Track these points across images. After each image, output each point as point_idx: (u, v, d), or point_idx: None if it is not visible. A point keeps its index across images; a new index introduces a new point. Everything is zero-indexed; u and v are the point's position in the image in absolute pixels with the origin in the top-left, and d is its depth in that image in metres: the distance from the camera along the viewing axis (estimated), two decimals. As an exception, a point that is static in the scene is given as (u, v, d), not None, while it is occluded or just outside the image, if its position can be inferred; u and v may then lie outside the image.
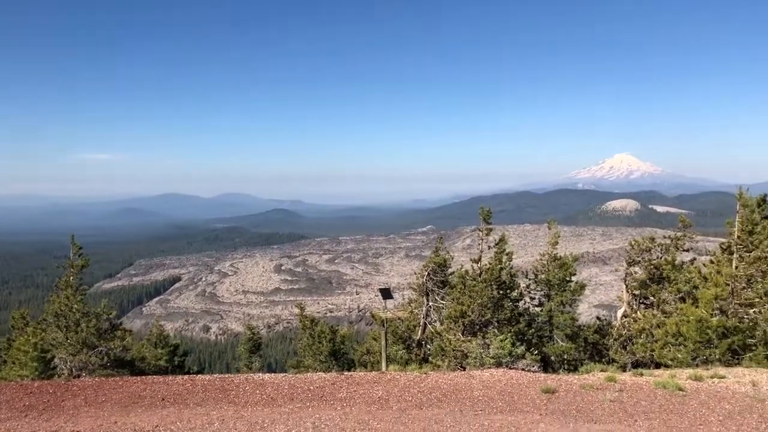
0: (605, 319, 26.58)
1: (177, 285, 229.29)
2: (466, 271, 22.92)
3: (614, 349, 23.46)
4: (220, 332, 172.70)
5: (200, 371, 32.16)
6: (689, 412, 9.38)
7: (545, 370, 18.20)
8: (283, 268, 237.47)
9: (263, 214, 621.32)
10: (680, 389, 10.60)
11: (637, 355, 21.65)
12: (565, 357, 23.02)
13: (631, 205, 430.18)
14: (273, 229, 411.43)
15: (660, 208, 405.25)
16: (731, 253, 20.18)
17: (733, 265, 19.48)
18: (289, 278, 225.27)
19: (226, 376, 12.56)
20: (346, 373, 12.45)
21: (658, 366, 18.58)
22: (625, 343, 23.60)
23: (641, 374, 12.67)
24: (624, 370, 15.78)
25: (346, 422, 8.87)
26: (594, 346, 23.99)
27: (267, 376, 12.39)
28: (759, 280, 19.32)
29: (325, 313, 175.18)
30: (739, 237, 19.87)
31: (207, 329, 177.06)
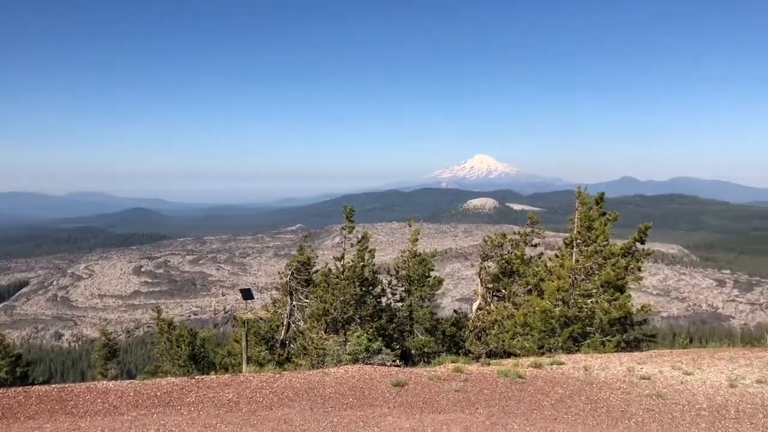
0: (462, 312, 27.72)
1: (24, 290, 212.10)
2: (330, 270, 23.04)
3: (470, 341, 24.57)
4: (74, 339, 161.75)
5: (47, 381, 29.97)
6: (526, 398, 9.98)
7: (406, 364, 18.63)
8: (143, 269, 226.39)
9: (120, 213, 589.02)
10: (520, 377, 11.27)
11: (491, 346, 22.79)
12: (425, 350, 23.65)
13: (489, 203, 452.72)
14: (131, 229, 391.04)
15: (516, 206, 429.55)
16: (573, 248, 21.71)
17: (573, 258, 20.98)
18: (150, 280, 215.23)
19: (67, 385, 11.75)
20: (197, 376, 12.06)
21: (509, 355, 19.57)
22: (480, 335, 24.77)
23: (488, 364, 13.33)
24: (478, 361, 16.48)
25: (192, 427, 8.60)
26: (451, 339, 24.88)
27: (112, 383, 11.75)
28: (596, 272, 20.94)
29: (189, 316, 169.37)
30: (578, 232, 21.42)
31: (59, 336, 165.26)
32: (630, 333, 22.36)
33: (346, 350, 13.59)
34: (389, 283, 24.97)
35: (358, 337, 14.26)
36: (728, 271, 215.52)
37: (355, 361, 13.28)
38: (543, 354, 17.69)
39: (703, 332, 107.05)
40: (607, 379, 11.72)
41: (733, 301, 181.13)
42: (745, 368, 13.31)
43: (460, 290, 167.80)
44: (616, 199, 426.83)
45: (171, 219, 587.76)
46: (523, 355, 17.71)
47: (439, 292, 25.67)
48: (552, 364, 13.29)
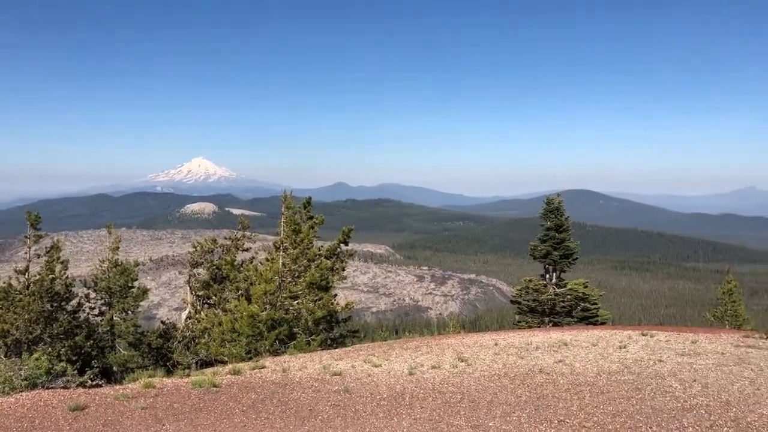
0: (171, 323, 26.58)
1: None
2: (10, 285, 20.38)
3: (178, 351, 23.64)
4: None
5: None
6: (218, 408, 9.81)
7: (108, 382, 17.19)
8: None
9: None
10: (215, 386, 11.06)
11: (200, 355, 22.18)
12: (129, 365, 22.12)
13: (209, 207, 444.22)
14: None
15: (236, 211, 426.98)
16: (281, 251, 22.12)
17: (280, 261, 21.40)
18: None
19: None
20: None
21: (219, 363, 19.17)
22: (189, 344, 23.99)
23: (188, 375, 12.87)
24: (188, 372, 15.80)
25: None
26: (158, 351, 23.67)
27: None
28: (303, 273, 21.62)
29: None
30: (286, 236, 21.93)
31: None
32: (336, 330, 23.52)
33: (21, 375, 11.98)
34: (87, 296, 22.92)
35: (36, 359, 12.70)
36: (426, 268, 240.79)
37: (33, 386, 11.78)
38: (251, 359, 17.67)
39: (406, 324, 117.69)
40: (302, 379, 12.08)
41: (431, 294, 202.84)
42: (426, 356, 14.81)
43: (177, 299, 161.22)
44: (331, 204, 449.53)
45: None
46: (232, 362, 17.48)
47: (148, 302, 24.23)
48: (253, 368, 13.30)
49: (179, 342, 24.09)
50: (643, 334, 17.50)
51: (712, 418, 9.49)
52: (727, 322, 34.25)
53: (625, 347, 15.34)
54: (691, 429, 9.01)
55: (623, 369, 12.83)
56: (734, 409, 9.91)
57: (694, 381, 11.68)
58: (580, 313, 28.28)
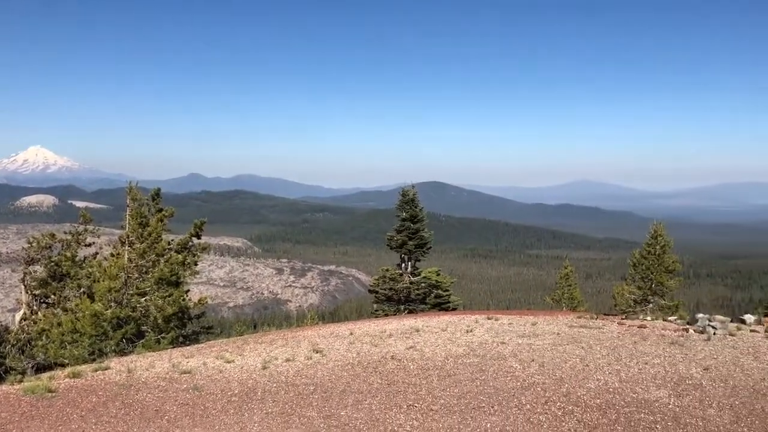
0: (3, 325, 24.38)
1: None
2: None
3: (11, 356, 21.70)
4: None
5: None
6: (53, 414, 9.12)
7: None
8: None
9: None
10: (51, 391, 10.28)
11: (38, 359, 20.51)
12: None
13: (48, 200, 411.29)
14: None
15: (79, 203, 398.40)
16: (127, 246, 20.94)
17: (126, 256, 20.26)
18: None
19: None
20: None
21: (59, 367, 17.84)
22: (24, 348, 22.12)
23: (20, 381, 11.85)
24: (20, 378, 14.51)
25: None
26: (-12, 357, 21.61)
27: None
28: (151, 269, 20.62)
29: None
30: (132, 229, 20.78)
31: None
32: (189, 327, 22.71)
33: None
34: None
35: None
36: (286, 260, 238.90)
37: None
38: (95, 360, 16.60)
39: (265, 318, 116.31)
40: (148, 379, 11.54)
41: (290, 286, 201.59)
42: (281, 349, 14.68)
43: (11, 300, 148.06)
44: (184, 195, 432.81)
45: None
46: (74, 364, 16.33)
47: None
48: (96, 370, 12.52)
49: (12, 346, 22.11)
50: (489, 318, 18.48)
51: (547, 394, 10.23)
52: (564, 304, 37.02)
53: (471, 331, 16.13)
54: (528, 406, 9.65)
55: (469, 352, 13.48)
56: (566, 385, 10.74)
57: (532, 360, 12.53)
58: (433, 299, 29.36)
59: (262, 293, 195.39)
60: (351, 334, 16.57)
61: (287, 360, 13.09)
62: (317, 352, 13.88)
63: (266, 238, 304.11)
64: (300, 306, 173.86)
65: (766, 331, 15.70)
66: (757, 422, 8.92)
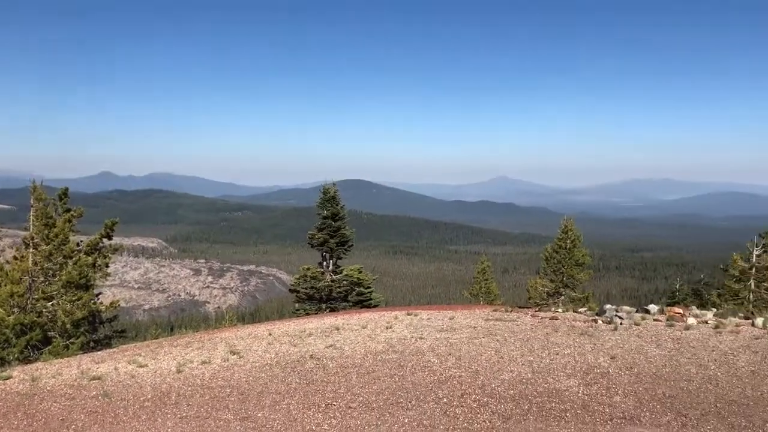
0: None
1: None
2: None
3: None
4: None
5: None
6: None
7: None
8: None
9: None
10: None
11: (-70, 371, 19.22)
12: None
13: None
14: None
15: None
16: (31, 248, 19.89)
17: (31, 259, 19.25)
18: None
19: None
20: None
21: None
22: None
23: None
24: None
25: None
26: None
27: None
28: (58, 272, 19.67)
29: None
30: (37, 231, 19.75)
31: None
32: (101, 332, 21.83)
33: None
34: None
35: None
36: (203, 260, 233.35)
37: None
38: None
39: (182, 320, 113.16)
40: (54, 387, 11.00)
41: (208, 287, 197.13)
42: (197, 351, 14.34)
43: None
44: (95, 195, 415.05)
45: None
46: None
47: None
48: (-2, 380, 11.83)
49: None
50: (408, 314, 18.68)
51: (463, 387, 10.44)
52: (481, 298, 37.95)
53: (391, 328, 16.26)
54: (445, 399, 9.82)
55: (388, 348, 13.59)
56: (482, 377, 11.01)
57: (450, 355, 12.76)
58: (355, 297, 29.41)
59: (179, 295, 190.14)
60: (270, 334, 16.37)
61: (203, 363, 12.79)
62: (234, 354, 13.63)
63: (183, 238, 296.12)
64: (219, 307, 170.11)
65: (667, 320, 16.58)
66: (658, 406, 9.41)
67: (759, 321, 15.97)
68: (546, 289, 27.48)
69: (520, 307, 21.76)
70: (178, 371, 12.05)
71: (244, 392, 10.43)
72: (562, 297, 27.09)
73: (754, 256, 25.32)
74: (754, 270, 25.17)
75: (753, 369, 11.42)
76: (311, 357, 12.95)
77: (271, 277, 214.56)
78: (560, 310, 20.11)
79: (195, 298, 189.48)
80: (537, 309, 20.55)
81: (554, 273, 27.58)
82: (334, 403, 9.68)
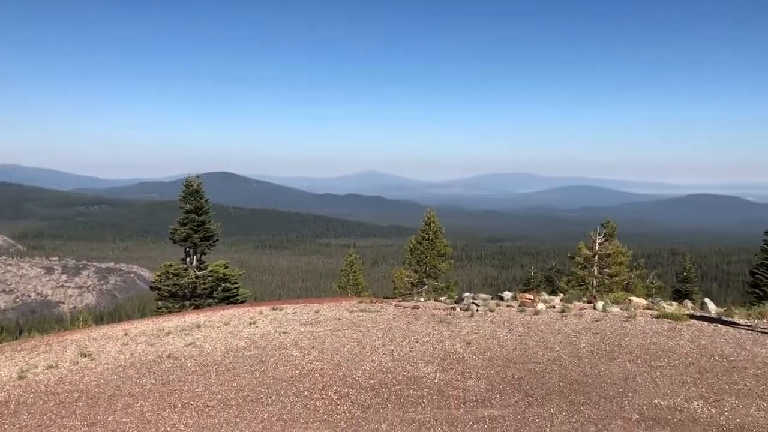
0: None
1: None
2: None
3: None
4: None
5: None
6: None
7: None
8: None
9: None
10: None
11: None
12: None
13: None
14: None
15: None
16: None
17: None
18: None
19: None
20: None
21: None
22: None
23: None
24: None
25: None
26: None
27: None
28: None
29: None
30: None
31: None
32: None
33: None
34: None
35: None
36: (56, 258, 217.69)
37: None
38: None
39: (33, 322, 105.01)
40: None
41: (62, 286, 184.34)
42: (43, 356, 13.38)
43: None
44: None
45: None
46: None
47: None
48: None
49: None
50: (274, 309, 18.52)
51: (324, 379, 10.51)
52: (349, 290, 38.36)
53: (254, 323, 16.03)
54: (306, 392, 9.84)
55: (251, 344, 13.40)
56: (343, 369, 11.14)
57: (313, 348, 12.80)
58: (221, 293, 28.76)
59: (29, 296, 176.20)
60: (126, 334, 15.60)
61: (49, 367, 11.95)
62: (85, 357, 12.86)
63: (33, 235, 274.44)
64: (75, 308, 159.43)
65: (519, 306, 17.61)
66: (508, 388, 9.97)
67: (599, 305, 17.38)
68: (410, 279, 28.27)
69: (385, 298, 22.24)
70: (20, 378, 11.18)
71: (94, 396, 9.87)
72: (426, 287, 28.00)
73: (597, 244, 27.46)
74: (596, 257, 27.29)
75: (592, 349, 12.39)
76: (169, 356, 12.49)
77: (132, 275, 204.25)
78: (422, 299, 20.78)
79: (47, 298, 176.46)
80: (401, 299, 21.10)
81: (418, 264, 28.44)
82: (191, 403, 9.40)
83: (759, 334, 13.69)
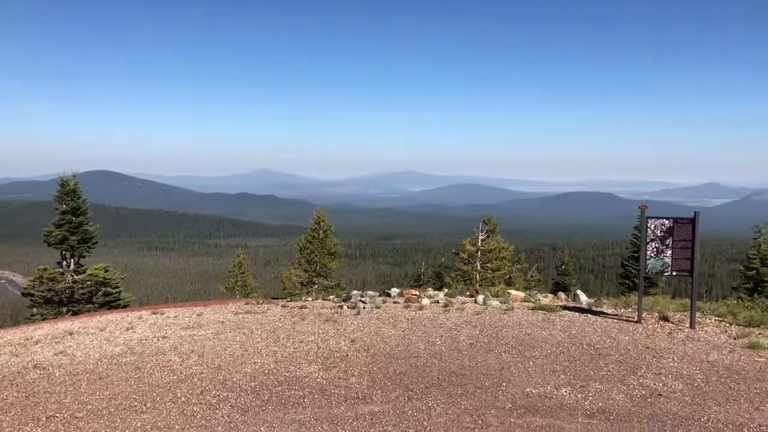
0: None
1: None
2: None
3: None
4: None
5: None
6: None
7: None
8: None
9: None
10: None
11: None
12: None
13: None
14: None
15: None
16: None
17: None
18: None
19: None
20: None
21: None
22: None
23: None
24: None
25: None
26: None
27: None
28: None
29: None
30: None
31: None
32: None
33: None
34: None
35: None
36: None
37: None
38: None
39: None
40: None
41: None
42: None
43: None
44: None
45: None
46: None
47: None
48: None
49: None
50: (154, 313, 17.81)
51: (203, 384, 10.24)
52: (237, 291, 37.63)
53: (132, 328, 15.36)
54: (183, 398, 9.54)
55: (127, 351, 12.82)
56: (224, 372, 10.89)
57: (192, 352, 12.43)
58: (101, 298, 27.41)
59: None
60: (-13, 345, 14.48)
61: None
62: (-63, 373, 11.81)
63: None
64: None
65: (405, 302, 17.94)
66: (389, 384, 10.12)
67: (480, 298, 18.02)
68: (300, 279, 28.12)
69: (273, 299, 21.96)
70: None
71: (-55, 415, 9.09)
72: (316, 286, 27.96)
73: (479, 240, 28.48)
74: (479, 253, 28.31)
75: (471, 342, 12.82)
76: (35, 367, 11.71)
77: (3, 281, 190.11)
78: (310, 298, 20.70)
79: None
80: (289, 299, 20.92)
81: (308, 263, 28.35)
82: (58, 415, 8.87)
83: (624, 322, 14.71)
